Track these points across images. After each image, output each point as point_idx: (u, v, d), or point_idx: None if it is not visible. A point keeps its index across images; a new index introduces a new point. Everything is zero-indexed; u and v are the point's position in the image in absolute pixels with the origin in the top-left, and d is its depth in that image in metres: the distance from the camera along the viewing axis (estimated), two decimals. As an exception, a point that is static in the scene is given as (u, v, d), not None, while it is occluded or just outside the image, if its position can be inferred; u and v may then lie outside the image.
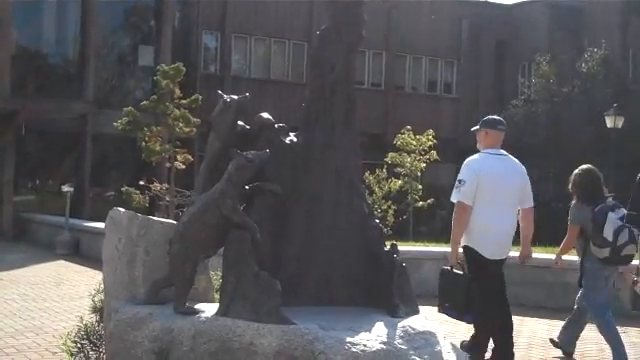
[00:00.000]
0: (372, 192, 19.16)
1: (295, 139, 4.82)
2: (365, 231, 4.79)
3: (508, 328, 6.05)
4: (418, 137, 21.31)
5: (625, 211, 6.37)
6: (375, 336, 4.09)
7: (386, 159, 21.01)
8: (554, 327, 7.81)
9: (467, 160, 6.07)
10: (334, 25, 4.86)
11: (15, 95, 21.52)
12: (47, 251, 16.22)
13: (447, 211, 15.18)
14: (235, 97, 4.83)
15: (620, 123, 22.77)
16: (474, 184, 5.82)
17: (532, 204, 6.17)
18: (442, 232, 13.80)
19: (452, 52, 30.93)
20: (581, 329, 7.03)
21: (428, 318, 4.94)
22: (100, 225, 10.99)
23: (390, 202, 19.66)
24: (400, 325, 4.28)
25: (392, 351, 4.01)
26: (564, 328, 7.07)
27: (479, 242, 5.89)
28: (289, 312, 4.14)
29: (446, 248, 7.06)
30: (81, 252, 15.90)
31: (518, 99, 28.35)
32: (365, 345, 3.98)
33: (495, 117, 6.25)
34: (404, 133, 21.37)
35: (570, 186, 6.85)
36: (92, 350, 5.49)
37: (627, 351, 6.45)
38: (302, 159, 4.76)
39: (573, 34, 29.18)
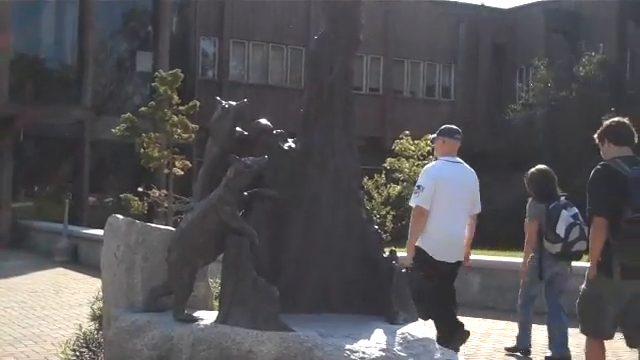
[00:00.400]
0: (371, 198, 19.15)
1: (293, 145, 4.81)
2: (364, 237, 4.78)
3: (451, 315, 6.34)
4: (416, 142, 21.31)
5: (577, 210, 6.76)
6: (374, 343, 4.07)
7: (385, 164, 21.00)
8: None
9: (425, 167, 6.54)
10: (332, 27, 4.85)
11: (13, 100, 21.54)
12: (45, 258, 16.21)
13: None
14: (233, 103, 4.81)
15: (618, 127, 22.76)
16: (432, 189, 6.19)
17: (479, 210, 6.59)
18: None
19: (450, 56, 30.94)
20: (565, 326, 7.01)
21: (426, 325, 4.94)
22: (99, 232, 10.98)
23: (389, 208, 19.65)
24: (399, 332, 4.26)
25: (391, 358, 4.00)
26: (550, 339, 7.09)
27: (431, 245, 6.23)
28: (287, 319, 4.13)
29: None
30: (80, 259, 15.89)
31: (516, 103, 28.33)
32: (364, 352, 3.96)
33: (452, 127, 6.60)
34: (402, 138, 21.37)
35: (526, 184, 7.31)
36: (91, 358, 5.48)
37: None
38: (301, 162, 4.74)
39: (570, 38, 29.19)
